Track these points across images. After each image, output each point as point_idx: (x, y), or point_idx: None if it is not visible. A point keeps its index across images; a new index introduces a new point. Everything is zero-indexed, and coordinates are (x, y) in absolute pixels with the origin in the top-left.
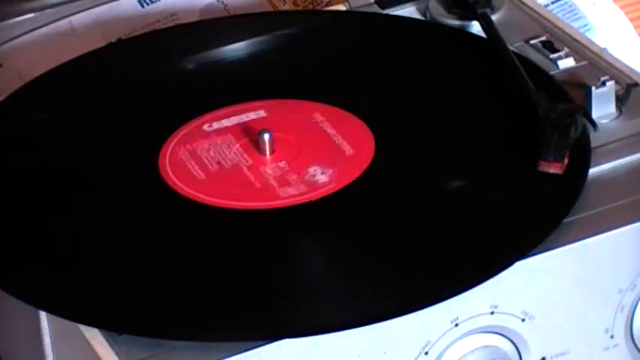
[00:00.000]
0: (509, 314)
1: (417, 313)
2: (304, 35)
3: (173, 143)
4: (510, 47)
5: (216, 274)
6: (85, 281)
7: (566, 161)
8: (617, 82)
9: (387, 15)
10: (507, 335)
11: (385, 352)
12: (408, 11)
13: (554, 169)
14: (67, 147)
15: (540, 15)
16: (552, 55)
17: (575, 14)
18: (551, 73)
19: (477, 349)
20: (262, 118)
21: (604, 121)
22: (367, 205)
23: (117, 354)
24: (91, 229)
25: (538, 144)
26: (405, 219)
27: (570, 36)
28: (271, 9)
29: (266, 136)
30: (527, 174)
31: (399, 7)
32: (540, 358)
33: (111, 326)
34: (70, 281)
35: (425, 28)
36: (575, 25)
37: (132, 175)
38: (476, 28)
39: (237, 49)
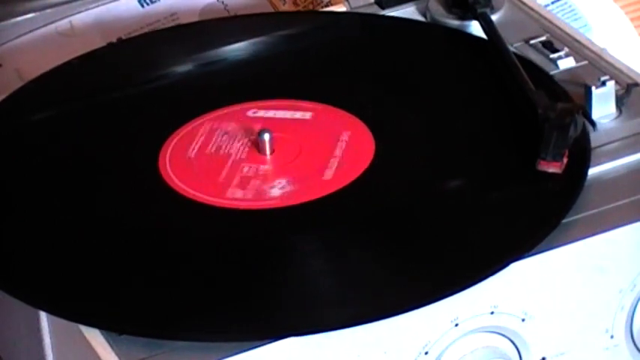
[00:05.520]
0: (509, 314)
1: (417, 312)
2: (313, 36)
3: (190, 127)
4: (510, 47)
5: (215, 274)
6: (84, 281)
7: (565, 160)
8: (617, 82)
9: (387, 16)
10: (507, 335)
11: (385, 352)
12: (408, 11)
13: (553, 168)
14: (67, 147)
15: (540, 15)
16: (552, 55)
17: (575, 14)
18: (551, 73)
19: (476, 349)
20: (304, 120)
21: (604, 121)
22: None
23: (117, 354)
24: (91, 229)
25: (537, 143)
26: (405, 219)
27: (570, 36)
28: (271, 9)
29: (266, 136)
30: (527, 173)
31: (399, 7)
32: (540, 358)
33: (111, 326)
34: (70, 281)
35: (425, 28)
36: (575, 25)
37: (133, 176)
38: (475, 28)
39: (237, 49)
